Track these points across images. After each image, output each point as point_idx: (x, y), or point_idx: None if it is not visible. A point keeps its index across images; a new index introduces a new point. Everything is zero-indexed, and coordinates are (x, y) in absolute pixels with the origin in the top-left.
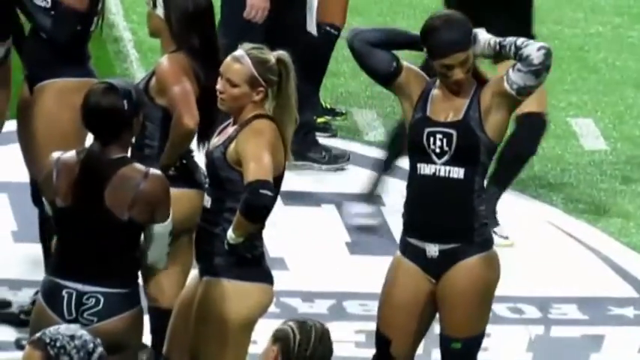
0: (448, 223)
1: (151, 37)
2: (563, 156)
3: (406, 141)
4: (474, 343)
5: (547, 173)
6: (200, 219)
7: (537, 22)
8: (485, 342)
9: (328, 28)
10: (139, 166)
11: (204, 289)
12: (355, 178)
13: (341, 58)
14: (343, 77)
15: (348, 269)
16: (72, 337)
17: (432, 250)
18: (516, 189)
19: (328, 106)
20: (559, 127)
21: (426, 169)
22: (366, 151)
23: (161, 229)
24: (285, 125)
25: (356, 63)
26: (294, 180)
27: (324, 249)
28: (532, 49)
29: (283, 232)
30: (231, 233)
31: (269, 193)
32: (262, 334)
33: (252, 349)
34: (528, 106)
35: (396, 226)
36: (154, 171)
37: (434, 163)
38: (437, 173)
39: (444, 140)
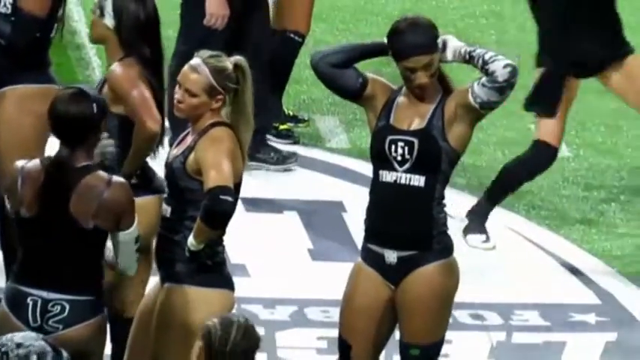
0: (407, 231)
1: (95, 44)
2: None
3: None
4: (433, 349)
5: None
6: (160, 227)
7: (500, 30)
8: (447, 348)
9: (292, 35)
10: (102, 174)
11: (165, 295)
12: (318, 185)
13: (303, 65)
14: (306, 84)
15: (310, 276)
16: (18, 345)
17: (391, 256)
18: (478, 195)
19: (291, 113)
20: (521, 133)
21: (387, 176)
22: (329, 158)
23: (127, 236)
24: (241, 132)
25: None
26: (255, 186)
27: (286, 255)
28: (498, 66)
29: (244, 238)
30: (192, 240)
31: (229, 198)
32: None
33: None
34: (547, 134)
35: (358, 232)
36: (117, 179)
37: (395, 170)
38: (398, 180)
39: (406, 148)
